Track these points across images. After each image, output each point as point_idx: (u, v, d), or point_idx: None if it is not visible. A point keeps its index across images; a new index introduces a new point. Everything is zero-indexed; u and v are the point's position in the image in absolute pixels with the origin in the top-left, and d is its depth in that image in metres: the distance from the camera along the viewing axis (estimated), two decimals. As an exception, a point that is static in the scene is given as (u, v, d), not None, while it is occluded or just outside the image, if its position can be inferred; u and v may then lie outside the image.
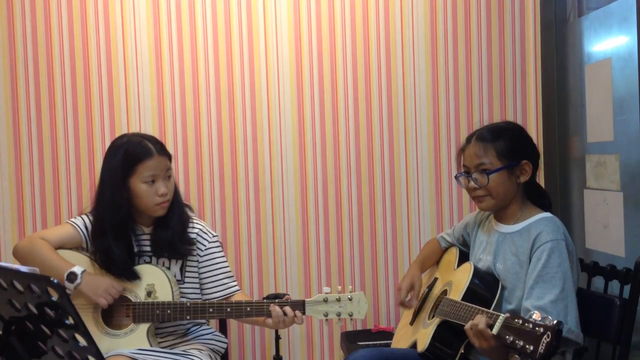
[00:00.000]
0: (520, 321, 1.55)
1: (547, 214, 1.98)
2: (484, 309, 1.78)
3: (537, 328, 1.50)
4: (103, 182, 2.12)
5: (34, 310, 1.40)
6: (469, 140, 2.04)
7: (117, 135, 2.85)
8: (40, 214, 2.89)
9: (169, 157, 2.16)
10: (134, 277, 2.08)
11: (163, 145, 2.15)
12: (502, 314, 1.64)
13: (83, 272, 2.02)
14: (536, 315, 1.54)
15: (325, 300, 2.03)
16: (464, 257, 2.20)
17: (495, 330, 1.62)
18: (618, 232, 2.63)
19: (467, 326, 1.74)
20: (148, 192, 2.07)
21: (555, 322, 1.49)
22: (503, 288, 1.95)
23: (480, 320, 1.68)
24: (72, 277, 2.00)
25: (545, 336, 1.48)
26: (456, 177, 2.08)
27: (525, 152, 1.99)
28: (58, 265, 2.03)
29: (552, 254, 1.84)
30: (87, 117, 2.90)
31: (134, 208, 2.11)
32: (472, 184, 1.98)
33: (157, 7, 2.90)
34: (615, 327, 1.89)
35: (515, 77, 3.04)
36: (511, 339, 1.55)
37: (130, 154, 2.07)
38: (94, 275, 2.06)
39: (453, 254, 2.26)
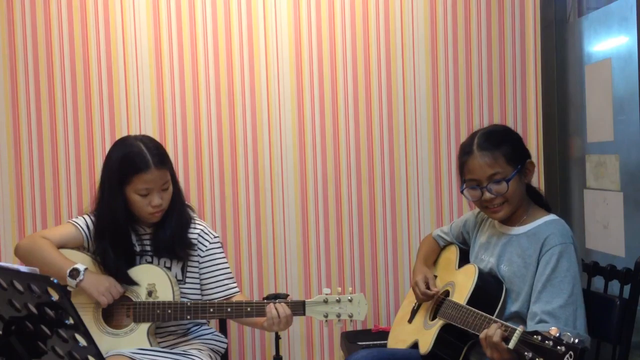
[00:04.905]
0: (539, 337, 1.52)
1: (554, 217, 1.95)
2: (496, 319, 1.76)
3: (559, 347, 1.47)
4: (102, 183, 2.12)
5: (34, 310, 1.39)
6: (468, 152, 1.95)
7: (117, 135, 2.88)
8: (40, 214, 2.89)
9: (169, 166, 2.12)
10: (129, 282, 2.08)
11: (163, 155, 2.10)
12: (518, 328, 1.61)
13: (86, 269, 2.01)
14: (553, 331, 1.51)
15: (325, 301, 2.03)
16: (464, 257, 2.19)
17: (511, 345, 1.59)
18: (618, 232, 2.63)
19: (482, 335, 1.72)
20: (141, 203, 2.06)
21: (576, 340, 1.46)
22: (507, 291, 1.93)
23: (495, 333, 1.66)
24: (74, 273, 1.99)
25: (567, 355, 1.45)
26: (462, 192, 1.99)
27: (525, 152, 2.00)
28: (60, 263, 2.02)
29: (561, 258, 1.82)
30: (87, 117, 2.89)
31: (132, 211, 2.12)
32: (487, 195, 1.91)
33: (157, 7, 2.90)
34: (615, 327, 1.89)
35: (515, 77, 3.04)
36: (530, 355, 1.53)
37: (127, 164, 2.04)
38: (96, 273, 2.06)
39: (453, 253, 2.24)
